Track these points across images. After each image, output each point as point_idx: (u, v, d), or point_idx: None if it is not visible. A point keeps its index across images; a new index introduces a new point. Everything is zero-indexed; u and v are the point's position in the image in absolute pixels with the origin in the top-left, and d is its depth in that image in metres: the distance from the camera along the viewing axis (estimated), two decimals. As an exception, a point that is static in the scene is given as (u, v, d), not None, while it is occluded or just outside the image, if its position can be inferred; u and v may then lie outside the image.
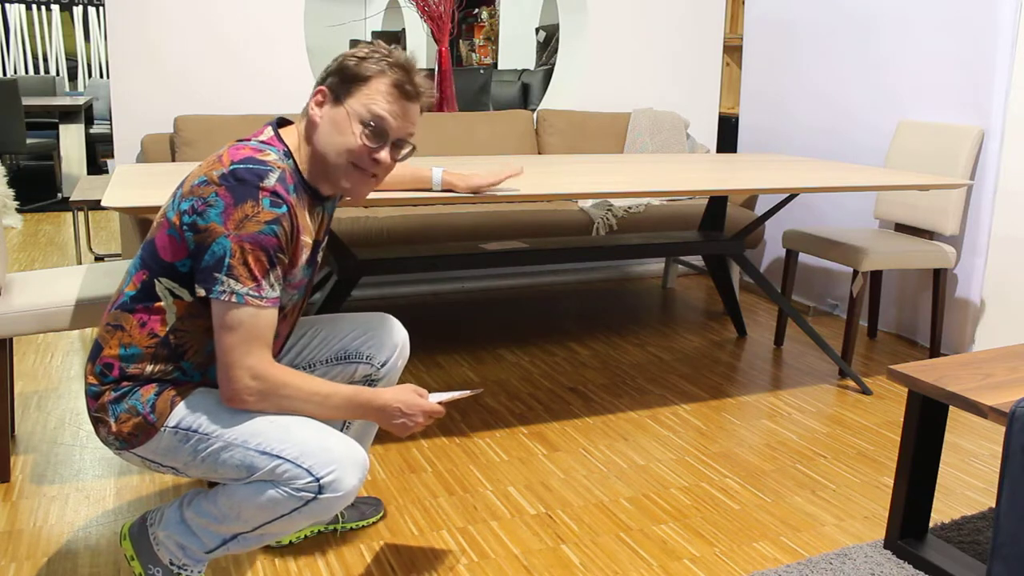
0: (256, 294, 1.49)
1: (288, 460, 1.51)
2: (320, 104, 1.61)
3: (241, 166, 1.51)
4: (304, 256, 1.63)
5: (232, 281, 1.47)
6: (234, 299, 1.48)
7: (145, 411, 1.55)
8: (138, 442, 1.57)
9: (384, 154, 1.62)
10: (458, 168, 2.70)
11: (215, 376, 1.64)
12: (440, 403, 1.68)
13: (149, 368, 1.58)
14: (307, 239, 1.62)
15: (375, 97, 1.58)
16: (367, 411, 1.60)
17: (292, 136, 1.64)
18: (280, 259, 1.52)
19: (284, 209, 1.51)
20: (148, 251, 1.58)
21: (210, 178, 1.51)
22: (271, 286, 1.51)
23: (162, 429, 1.55)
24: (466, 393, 1.73)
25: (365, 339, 1.90)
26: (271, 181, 1.51)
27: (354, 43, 9.52)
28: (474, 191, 2.27)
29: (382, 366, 1.91)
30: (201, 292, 1.50)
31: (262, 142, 1.59)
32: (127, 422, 1.56)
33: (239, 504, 1.54)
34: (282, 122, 1.67)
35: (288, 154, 1.60)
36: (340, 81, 1.60)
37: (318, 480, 1.51)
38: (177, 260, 1.54)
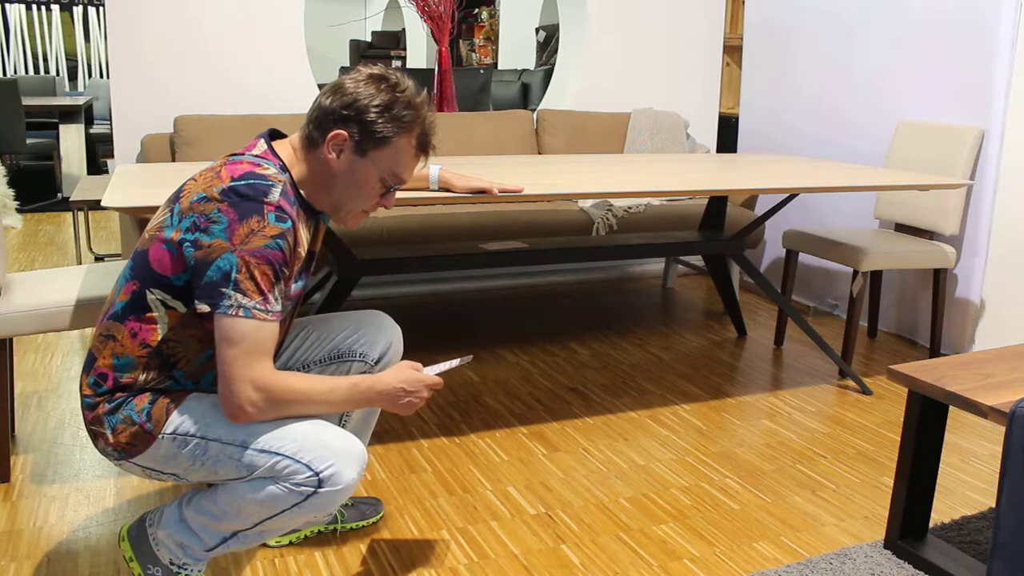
0: (263, 307, 1.49)
1: (287, 456, 1.52)
2: (339, 150, 1.60)
3: (242, 182, 1.51)
4: (298, 267, 1.64)
5: (239, 295, 1.47)
6: (241, 313, 1.47)
7: (141, 420, 1.56)
8: (137, 451, 1.57)
9: (391, 199, 1.69)
10: (459, 170, 2.70)
11: (208, 384, 1.65)
12: (436, 375, 1.70)
13: (142, 377, 1.58)
14: (301, 251, 1.63)
15: (400, 159, 1.62)
16: (370, 398, 1.61)
17: (286, 150, 1.64)
18: (284, 273, 1.53)
19: (289, 224, 1.52)
20: (139, 262, 1.57)
21: (210, 194, 1.51)
22: (276, 299, 1.52)
23: (160, 436, 1.56)
24: (456, 362, 1.74)
25: (357, 337, 1.91)
26: (275, 196, 1.52)
27: (354, 43, 9.53)
28: (471, 191, 2.27)
29: (376, 363, 1.91)
30: (205, 308, 1.49)
31: (257, 156, 1.59)
32: (124, 432, 1.56)
33: (239, 501, 1.54)
34: (273, 134, 1.68)
35: (284, 168, 1.60)
36: (363, 135, 1.58)
37: (317, 474, 1.51)
38: (172, 274, 1.53)
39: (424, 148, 1.66)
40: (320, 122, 1.60)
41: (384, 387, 1.61)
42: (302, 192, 1.64)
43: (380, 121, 1.58)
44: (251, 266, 1.48)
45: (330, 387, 1.56)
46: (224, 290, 1.47)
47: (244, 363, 1.48)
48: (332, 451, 1.53)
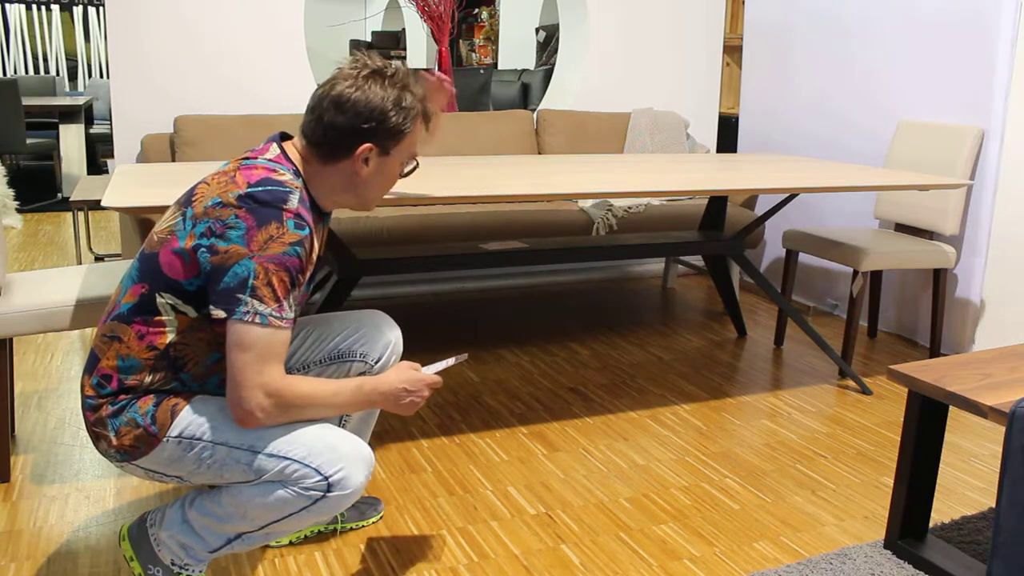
0: (278, 315, 1.49)
1: (296, 460, 1.51)
2: (367, 159, 1.62)
3: (260, 188, 1.51)
4: (309, 273, 1.64)
5: (256, 302, 1.47)
6: (257, 320, 1.47)
7: (145, 423, 1.55)
8: (140, 454, 1.57)
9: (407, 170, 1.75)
10: (458, 169, 2.70)
11: (214, 387, 1.64)
12: (435, 373, 1.72)
13: (147, 379, 1.57)
14: (314, 257, 1.63)
15: (416, 140, 1.69)
16: (374, 399, 1.61)
17: (295, 154, 1.64)
18: (299, 280, 1.53)
19: (307, 231, 1.53)
20: (149, 265, 1.56)
21: (226, 200, 1.50)
22: (290, 307, 1.51)
23: (165, 439, 1.55)
24: (452, 361, 1.76)
25: (357, 337, 1.90)
26: (294, 203, 1.52)
27: (354, 43, 9.52)
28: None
29: (376, 363, 1.91)
30: (220, 314, 1.48)
31: (271, 161, 1.59)
32: (127, 435, 1.56)
33: (245, 504, 1.54)
34: (284, 137, 1.68)
35: (298, 173, 1.61)
36: (386, 137, 1.61)
37: (327, 479, 1.51)
38: (185, 279, 1.53)
39: (428, 119, 1.71)
40: (339, 141, 1.59)
41: (387, 388, 1.61)
42: (312, 194, 1.64)
43: (397, 118, 1.61)
44: (269, 273, 1.47)
45: (335, 390, 1.56)
46: (241, 296, 1.47)
47: (256, 369, 1.48)
48: (341, 455, 1.52)
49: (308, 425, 1.56)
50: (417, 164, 1.74)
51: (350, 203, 1.69)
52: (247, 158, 1.60)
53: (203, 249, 1.50)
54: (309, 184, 1.63)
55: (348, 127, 1.57)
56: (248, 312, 1.47)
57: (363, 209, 1.72)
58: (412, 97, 1.62)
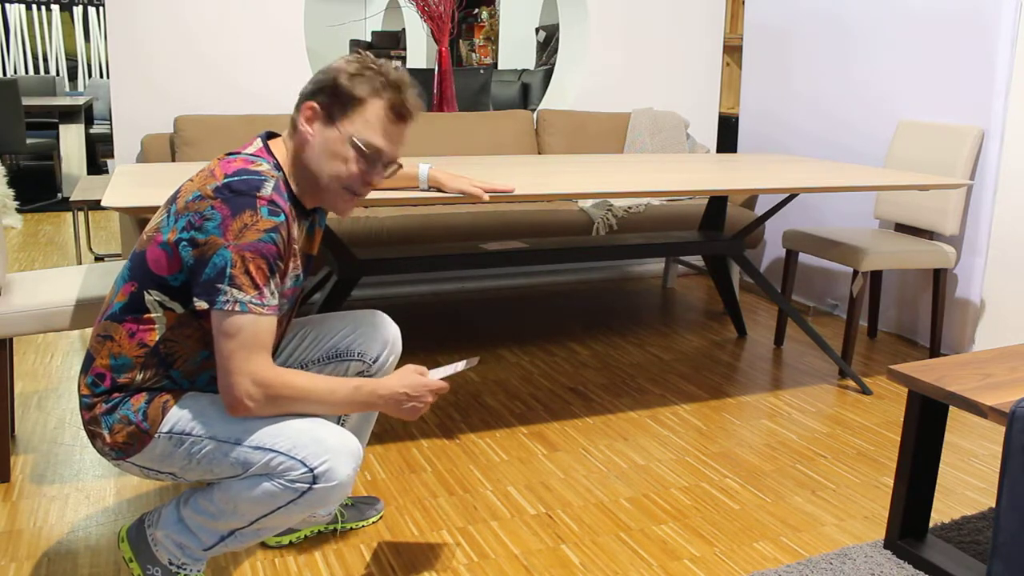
0: (258, 302, 1.49)
1: (281, 453, 1.52)
2: (310, 121, 1.60)
3: (235, 178, 1.52)
4: (292, 267, 1.63)
5: (235, 290, 1.48)
6: (237, 308, 1.48)
7: (137, 419, 1.56)
8: (133, 451, 1.57)
9: (376, 178, 1.64)
10: (459, 169, 2.70)
11: (204, 384, 1.65)
12: (442, 379, 1.68)
13: (139, 377, 1.58)
14: (295, 246, 1.63)
15: (371, 122, 1.59)
16: (372, 401, 1.60)
17: (280, 149, 1.65)
18: (279, 267, 1.53)
19: (282, 218, 1.52)
20: (137, 263, 1.58)
21: (204, 193, 1.51)
22: (271, 294, 1.52)
23: (156, 435, 1.56)
24: (461, 366, 1.72)
25: (356, 336, 1.90)
26: (267, 190, 1.52)
27: (354, 43, 9.53)
28: (461, 193, 2.24)
29: (374, 362, 1.91)
30: (203, 305, 1.49)
31: (251, 154, 1.60)
32: (120, 432, 1.57)
33: (235, 499, 1.54)
34: (271, 135, 1.68)
35: (278, 166, 1.61)
36: (332, 100, 1.59)
37: (312, 471, 1.51)
38: (169, 274, 1.54)
39: (399, 113, 1.61)
40: (298, 105, 1.63)
41: (387, 391, 1.60)
42: (295, 190, 1.65)
43: (347, 84, 1.58)
44: (246, 260, 1.48)
45: (331, 388, 1.56)
46: (220, 286, 1.48)
47: (243, 357, 1.49)
48: (326, 447, 1.52)
49: (296, 419, 1.56)
50: (399, 166, 1.68)
51: (313, 190, 1.63)
52: (230, 152, 1.62)
53: (184, 243, 1.51)
54: (291, 176, 1.63)
55: (306, 90, 1.62)
56: (228, 301, 1.48)
57: (329, 205, 1.64)
58: (380, 79, 1.59)
